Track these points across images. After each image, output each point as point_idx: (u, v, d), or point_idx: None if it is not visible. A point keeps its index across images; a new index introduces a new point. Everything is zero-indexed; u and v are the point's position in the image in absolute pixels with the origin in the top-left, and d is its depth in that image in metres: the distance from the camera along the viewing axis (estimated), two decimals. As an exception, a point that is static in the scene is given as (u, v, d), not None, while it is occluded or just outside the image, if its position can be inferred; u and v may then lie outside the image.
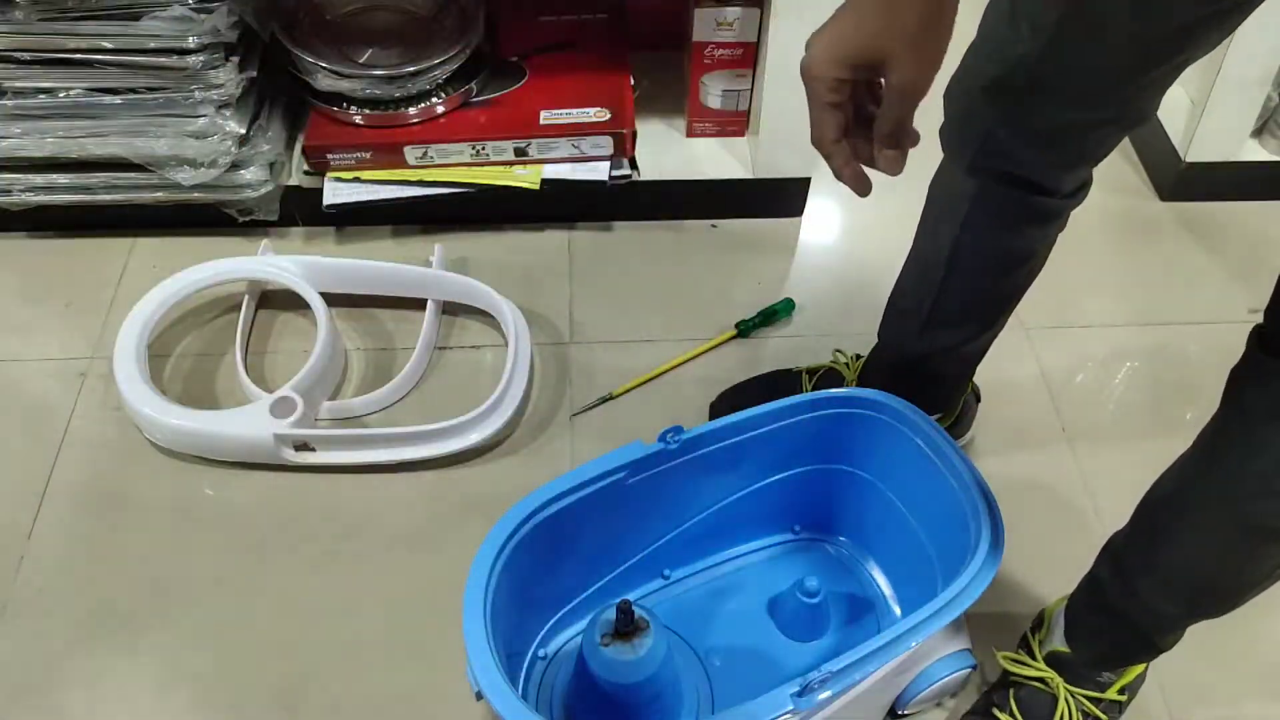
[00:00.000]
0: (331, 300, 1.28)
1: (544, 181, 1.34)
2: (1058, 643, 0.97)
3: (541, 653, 0.99)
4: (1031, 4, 0.73)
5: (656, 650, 0.83)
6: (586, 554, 0.97)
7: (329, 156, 1.33)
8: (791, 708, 0.75)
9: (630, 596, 0.99)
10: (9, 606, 1.08)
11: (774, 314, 1.32)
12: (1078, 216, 0.90)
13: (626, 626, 0.83)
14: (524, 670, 0.97)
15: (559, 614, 1.00)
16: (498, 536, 0.84)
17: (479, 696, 0.76)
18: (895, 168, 0.65)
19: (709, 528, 1.02)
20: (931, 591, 0.84)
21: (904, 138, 0.64)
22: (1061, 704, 0.95)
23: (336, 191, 1.34)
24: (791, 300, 1.34)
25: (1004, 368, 1.17)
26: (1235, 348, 0.84)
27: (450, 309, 1.34)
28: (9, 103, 1.24)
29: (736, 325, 1.31)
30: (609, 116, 1.33)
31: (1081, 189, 0.87)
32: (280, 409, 1.16)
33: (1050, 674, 0.96)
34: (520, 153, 1.34)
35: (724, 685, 0.97)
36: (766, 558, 1.07)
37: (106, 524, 1.15)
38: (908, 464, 0.95)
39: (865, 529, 1.06)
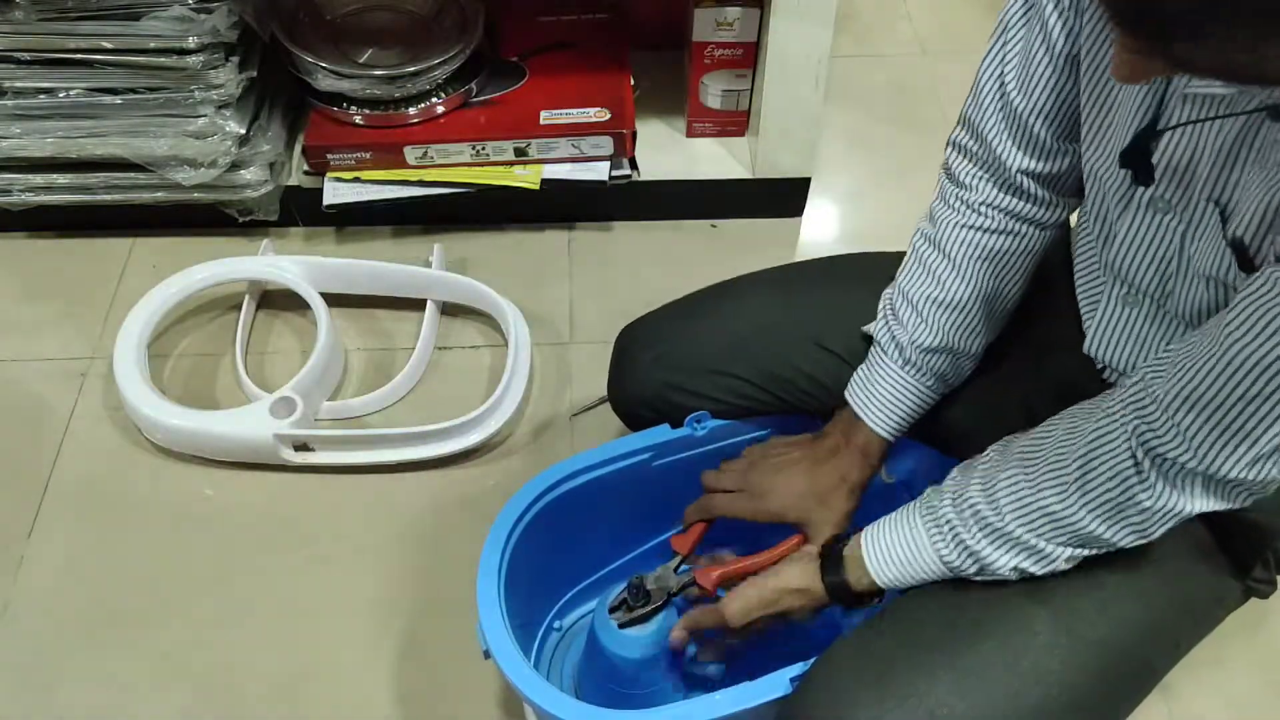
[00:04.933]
0: (331, 300, 1.28)
1: (544, 181, 1.34)
2: None
3: (556, 624, 1.01)
4: None
5: (666, 628, 0.84)
6: (608, 531, 0.97)
7: (329, 156, 1.33)
8: (788, 692, 0.75)
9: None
10: (9, 606, 1.08)
11: (774, 314, 1.32)
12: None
13: (637, 602, 0.84)
14: (537, 640, 0.99)
15: (577, 588, 1.02)
16: (518, 504, 0.86)
17: (486, 655, 0.79)
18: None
19: (735, 522, 1.02)
20: None
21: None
22: None
23: (336, 191, 1.34)
24: (791, 300, 1.34)
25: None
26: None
27: (450, 309, 1.34)
28: (9, 103, 1.24)
29: (736, 325, 1.31)
30: (609, 116, 1.33)
31: None
32: (280, 409, 1.16)
33: None
34: (520, 153, 1.34)
35: (733, 670, 0.98)
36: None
37: (106, 524, 1.15)
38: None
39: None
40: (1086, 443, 0.66)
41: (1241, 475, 0.61)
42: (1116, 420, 0.65)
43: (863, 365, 0.85)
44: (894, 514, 0.76)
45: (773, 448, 0.88)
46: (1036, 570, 0.70)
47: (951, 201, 0.81)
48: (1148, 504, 0.64)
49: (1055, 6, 0.70)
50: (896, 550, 0.74)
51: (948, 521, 0.72)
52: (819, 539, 0.82)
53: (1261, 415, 0.58)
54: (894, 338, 0.83)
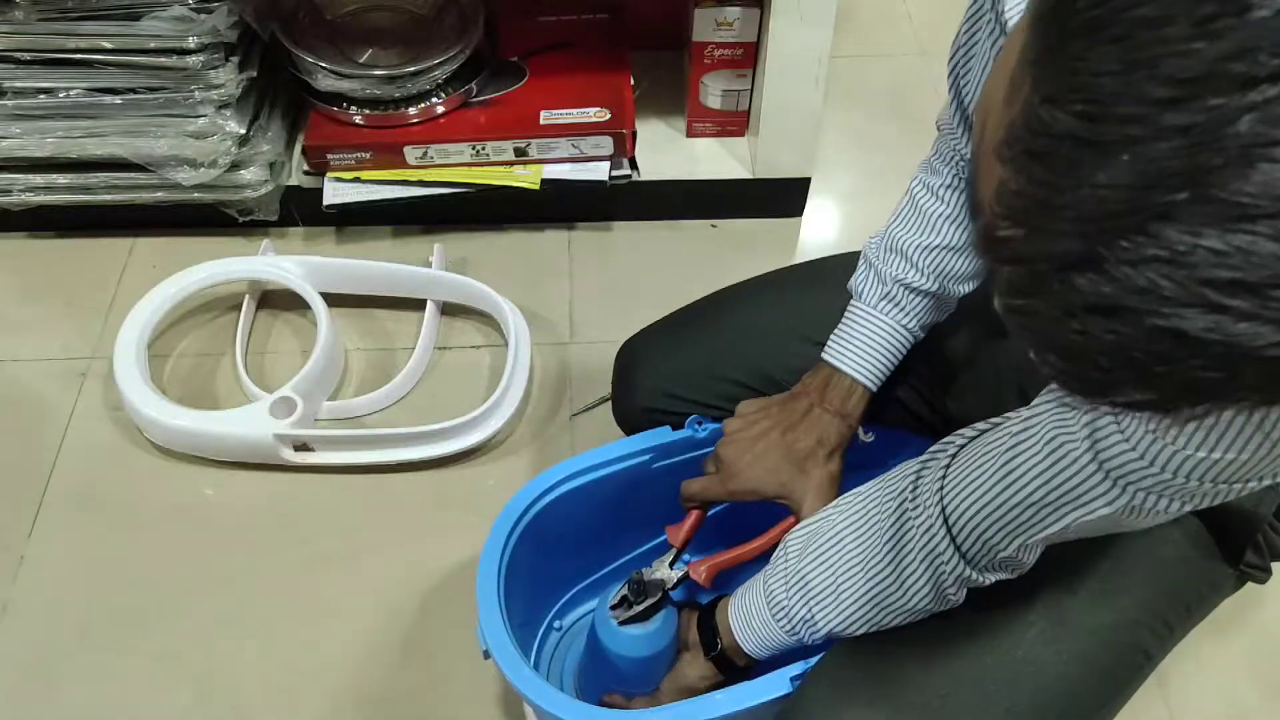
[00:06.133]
0: (331, 300, 1.28)
1: (544, 181, 1.34)
2: None
3: (557, 624, 1.01)
4: None
5: (667, 626, 0.84)
6: (608, 531, 0.97)
7: (329, 156, 1.33)
8: (788, 691, 0.75)
9: None
10: (9, 606, 1.08)
11: (774, 314, 1.32)
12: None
13: (637, 598, 0.84)
14: (538, 639, 0.99)
15: (577, 588, 1.02)
16: (518, 504, 0.86)
17: (486, 655, 0.79)
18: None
19: (734, 523, 1.02)
20: None
21: None
22: None
23: (336, 191, 1.34)
24: (791, 300, 1.33)
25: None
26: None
27: (450, 309, 1.34)
28: (9, 103, 1.24)
29: (736, 325, 1.31)
30: (609, 116, 1.33)
31: None
32: (280, 409, 1.16)
33: None
34: (520, 153, 1.34)
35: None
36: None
37: (106, 524, 1.15)
38: None
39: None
40: (893, 548, 0.69)
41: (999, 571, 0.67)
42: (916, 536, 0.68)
43: (840, 323, 0.83)
44: (748, 585, 0.78)
45: (742, 416, 0.85)
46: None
47: (948, 159, 0.81)
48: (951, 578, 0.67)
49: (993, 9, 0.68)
50: (754, 621, 0.76)
51: (780, 606, 0.74)
52: (806, 512, 0.79)
53: (1031, 536, 0.63)
54: (878, 276, 0.81)
